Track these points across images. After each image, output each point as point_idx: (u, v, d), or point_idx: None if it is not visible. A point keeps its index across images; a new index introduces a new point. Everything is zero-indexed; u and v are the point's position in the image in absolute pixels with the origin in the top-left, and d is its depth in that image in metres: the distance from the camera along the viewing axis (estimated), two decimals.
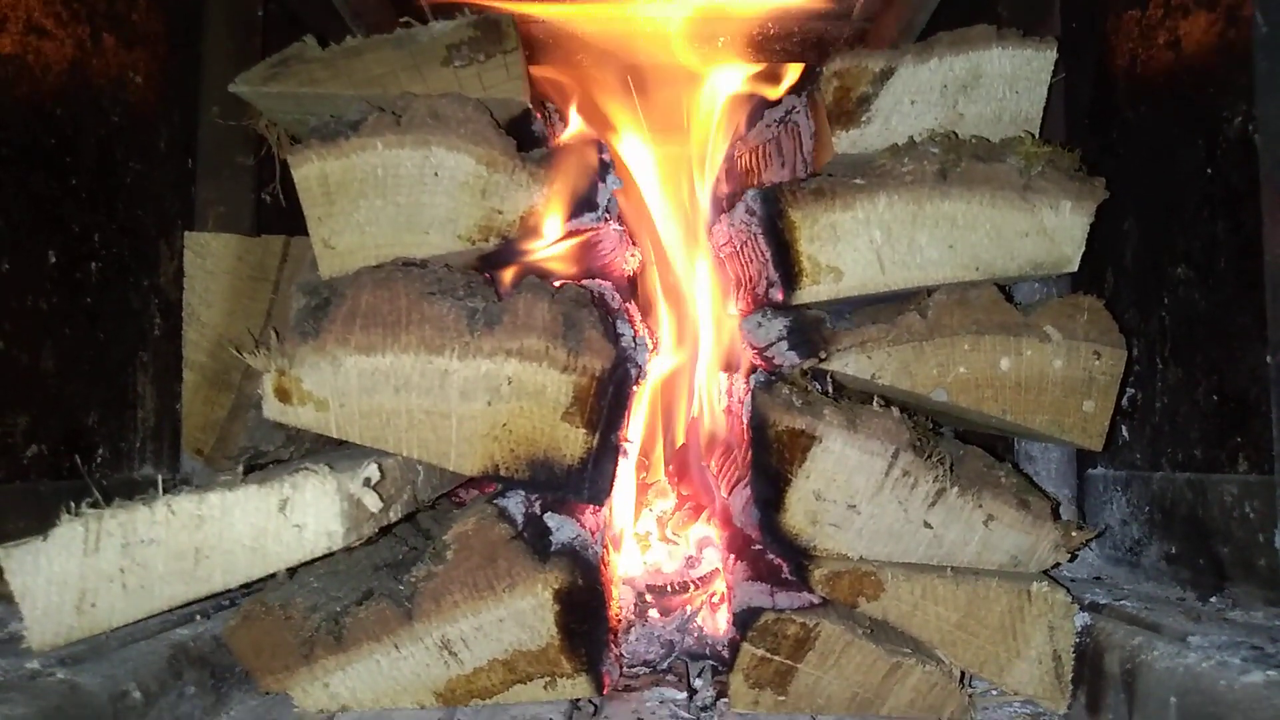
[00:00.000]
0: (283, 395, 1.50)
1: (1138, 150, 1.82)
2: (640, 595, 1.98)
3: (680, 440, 2.76)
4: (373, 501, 1.29)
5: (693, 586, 1.98)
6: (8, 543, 1.25)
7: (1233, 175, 1.55)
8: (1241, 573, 1.52)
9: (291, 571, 1.33)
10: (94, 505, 1.28)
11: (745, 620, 1.50)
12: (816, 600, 1.54)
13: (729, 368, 2.38)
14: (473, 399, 1.50)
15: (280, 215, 1.93)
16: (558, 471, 1.53)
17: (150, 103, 1.86)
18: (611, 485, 1.56)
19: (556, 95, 2.38)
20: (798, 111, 1.98)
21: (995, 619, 1.51)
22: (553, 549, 1.54)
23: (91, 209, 1.69)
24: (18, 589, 1.24)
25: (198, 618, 1.48)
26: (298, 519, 1.25)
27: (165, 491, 1.34)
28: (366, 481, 1.29)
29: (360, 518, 1.30)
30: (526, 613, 1.48)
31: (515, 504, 1.58)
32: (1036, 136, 1.71)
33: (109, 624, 1.26)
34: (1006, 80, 1.72)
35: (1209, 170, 1.60)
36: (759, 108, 2.53)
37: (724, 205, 2.60)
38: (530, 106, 1.77)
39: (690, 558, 2.11)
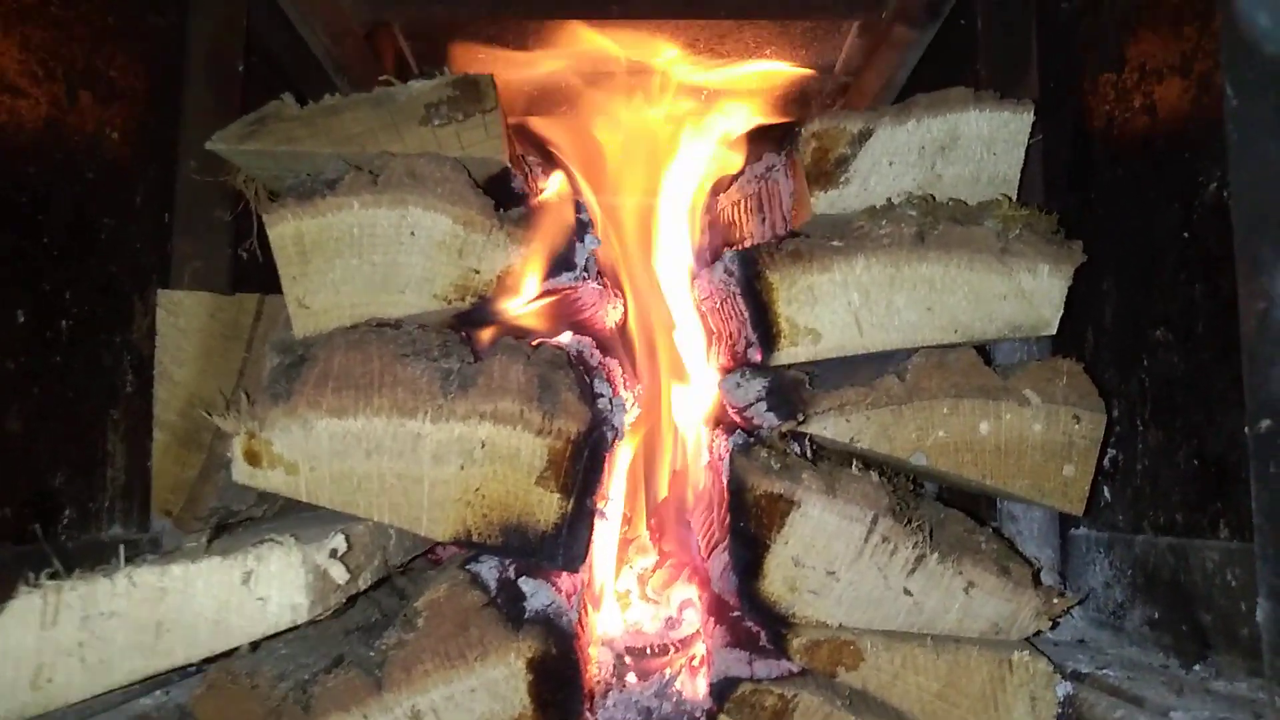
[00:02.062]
0: (252, 458, 1.47)
1: (1116, 211, 1.83)
2: (619, 657, 1.95)
3: (663, 494, 2.73)
4: (339, 573, 1.27)
5: (672, 649, 1.94)
6: None
7: (1209, 239, 1.55)
8: (1224, 641, 1.50)
9: (254, 646, 1.30)
10: (53, 575, 1.25)
11: (722, 691, 1.47)
12: (795, 669, 1.51)
13: (711, 422, 2.36)
14: (446, 463, 1.48)
15: (258, 271, 1.91)
16: (531, 537, 1.51)
17: (126, 158, 1.85)
18: (586, 551, 1.53)
19: (536, 149, 2.38)
20: (777, 169, 1.99)
21: (976, 689, 1.48)
22: (526, 616, 1.51)
23: (64, 266, 1.67)
24: None
25: (156, 693, 1.44)
26: (262, 592, 1.22)
27: (129, 559, 1.31)
28: (333, 553, 1.26)
29: (326, 589, 1.27)
30: (499, 682, 1.44)
31: (489, 569, 1.55)
32: (1014, 198, 1.71)
33: (66, 700, 1.23)
34: (984, 142, 1.73)
35: (1185, 234, 1.60)
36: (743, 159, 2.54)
37: (707, 258, 2.60)
38: (509, 165, 1.76)
39: (670, 618, 2.07)
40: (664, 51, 2.77)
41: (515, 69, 2.78)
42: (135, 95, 1.89)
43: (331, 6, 2.41)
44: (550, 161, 2.44)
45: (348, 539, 1.30)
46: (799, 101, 2.98)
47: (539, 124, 2.78)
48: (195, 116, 2.00)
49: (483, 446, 1.48)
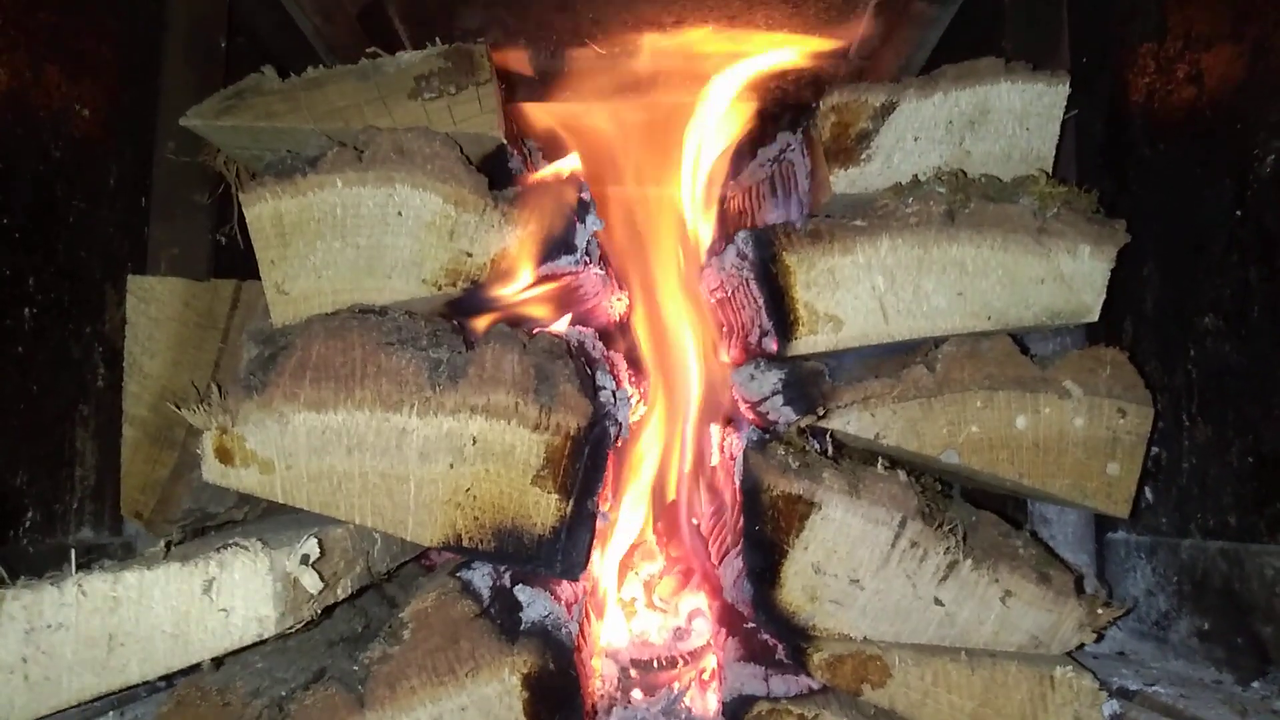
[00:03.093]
0: (224, 456, 1.35)
1: (1157, 190, 1.70)
2: (624, 670, 1.82)
3: (671, 496, 2.60)
4: (312, 582, 1.14)
5: (681, 662, 1.81)
6: None
7: (1266, 217, 1.42)
8: None
9: (217, 662, 1.17)
10: None
11: (736, 711, 1.35)
12: (816, 686, 1.38)
13: (723, 420, 2.24)
14: (433, 461, 1.35)
15: (239, 258, 1.79)
16: (527, 542, 1.38)
17: (98, 138, 1.73)
18: (587, 557, 1.40)
19: (537, 131, 2.27)
20: (792, 149, 1.86)
21: (1015, 708, 1.35)
22: (523, 628, 1.39)
23: (26, 250, 1.56)
24: None
25: (110, 714, 1.32)
26: (224, 602, 1.10)
27: (90, 565, 1.19)
28: (305, 559, 1.14)
29: (298, 599, 1.15)
30: (492, 700, 1.32)
31: (481, 577, 1.43)
32: (1050, 175, 1.59)
33: None
34: (1016, 116, 1.60)
35: (1238, 212, 1.48)
36: (753, 146, 2.42)
37: (715, 248, 2.47)
38: (505, 142, 1.64)
39: (679, 629, 1.94)
40: (672, 33, 2.65)
41: (517, 51, 2.66)
42: (109, 71, 1.77)
43: None
44: (551, 147, 2.32)
45: (321, 544, 1.17)
46: (813, 86, 2.85)
47: (540, 108, 2.66)
48: (174, 96, 1.88)
49: (474, 443, 1.35)
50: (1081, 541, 1.82)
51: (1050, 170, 1.61)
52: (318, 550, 1.16)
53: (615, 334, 2.35)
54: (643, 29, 2.65)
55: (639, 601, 2.10)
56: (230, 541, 1.12)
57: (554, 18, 2.62)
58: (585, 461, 1.38)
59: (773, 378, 1.58)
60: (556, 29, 2.68)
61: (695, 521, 2.27)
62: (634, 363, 2.44)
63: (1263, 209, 1.43)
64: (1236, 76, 1.49)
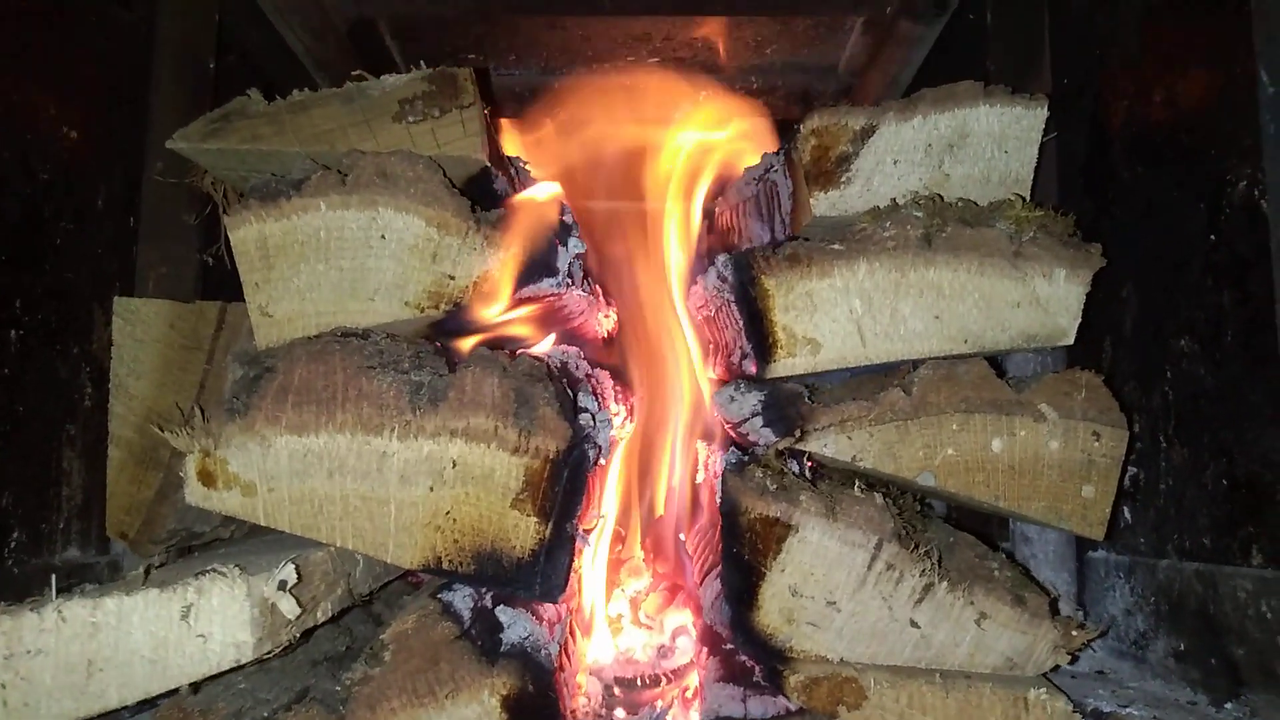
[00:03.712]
0: (207, 478, 1.37)
1: (1136, 213, 1.71)
2: (608, 688, 1.83)
3: (659, 511, 2.61)
4: (289, 607, 1.15)
5: (664, 680, 1.82)
6: None
7: (1239, 242, 1.44)
8: (1259, 678, 1.38)
9: (195, 688, 1.19)
10: None
11: None
12: (793, 708, 1.39)
13: (707, 437, 2.25)
14: (413, 484, 1.37)
15: (227, 277, 1.80)
16: (506, 565, 1.39)
17: (86, 159, 1.75)
18: (566, 580, 1.41)
19: (523, 151, 2.28)
20: (776, 170, 1.88)
21: None
22: (503, 649, 1.40)
23: (14, 271, 1.57)
24: None
25: None
26: (202, 628, 1.11)
27: (72, 588, 1.21)
28: (283, 585, 1.15)
29: (276, 625, 1.16)
30: None
31: (462, 598, 1.44)
32: (1027, 198, 1.60)
33: None
34: (995, 139, 1.61)
35: (1212, 236, 1.49)
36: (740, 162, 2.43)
37: (704, 264, 2.49)
38: (489, 165, 1.66)
39: (663, 646, 1.96)
40: (659, 50, 2.66)
41: (505, 68, 2.68)
42: (97, 92, 1.79)
43: (311, 1, 2.31)
44: (537, 165, 2.33)
45: (298, 570, 1.19)
46: (801, 102, 2.87)
47: (527, 125, 2.67)
48: (164, 116, 1.89)
49: (453, 466, 1.36)
50: (1062, 560, 1.83)
51: (1029, 193, 1.62)
52: (295, 576, 1.17)
53: (602, 351, 2.36)
54: (632, 45, 2.67)
55: (625, 618, 2.11)
56: (209, 568, 1.13)
57: (544, 35, 2.63)
58: (564, 484, 1.40)
59: (753, 399, 1.60)
60: (546, 46, 2.70)
61: (682, 538, 2.28)
62: (623, 378, 2.46)
63: (1235, 233, 1.44)
64: (1210, 102, 1.51)
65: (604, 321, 2.31)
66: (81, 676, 1.12)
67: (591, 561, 2.05)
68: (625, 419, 2.22)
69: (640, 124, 2.85)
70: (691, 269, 2.53)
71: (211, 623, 1.12)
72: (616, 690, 1.82)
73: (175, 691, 1.17)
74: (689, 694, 1.81)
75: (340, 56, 2.45)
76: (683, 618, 2.02)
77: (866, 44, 2.57)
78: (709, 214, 2.59)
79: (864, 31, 2.54)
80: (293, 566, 1.17)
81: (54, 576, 1.17)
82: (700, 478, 2.17)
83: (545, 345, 1.83)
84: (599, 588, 2.09)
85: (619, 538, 2.48)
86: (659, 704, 1.75)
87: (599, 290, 2.19)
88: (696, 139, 2.65)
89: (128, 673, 1.12)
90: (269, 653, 1.16)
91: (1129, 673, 1.66)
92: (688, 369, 2.56)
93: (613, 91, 2.72)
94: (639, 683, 1.82)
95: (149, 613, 1.12)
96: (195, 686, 1.17)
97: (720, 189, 2.52)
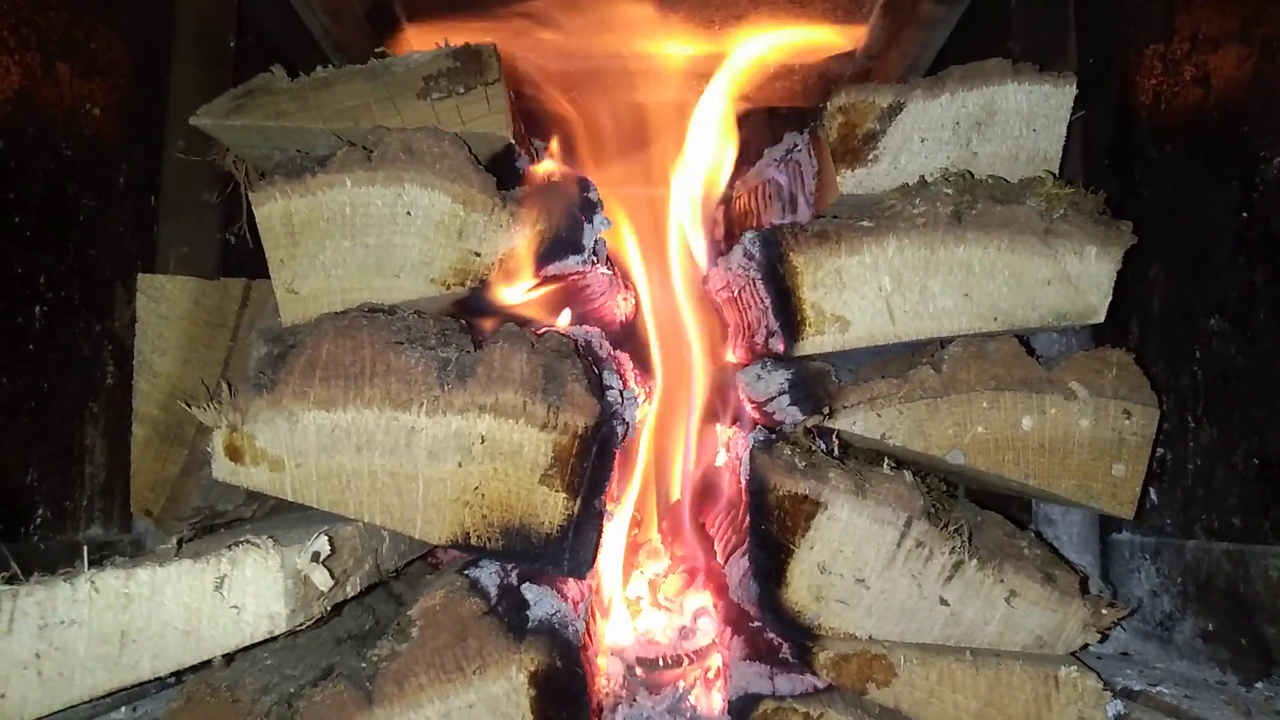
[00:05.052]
0: (234, 454, 1.36)
1: (1164, 192, 1.70)
2: (629, 669, 1.83)
3: (676, 495, 2.61)
4: (322, 579, 1.15)
5: (686, 660, 1.82)
6: None
7: (1272, 219, 1.42)
8: None
9: (228, 658, 1.18)
10: (11, 580, 1.13)
11: (742, 709, 1.35)
12: (821, 685, 1.39)
13: (729, 420, 2.24)
14: (442, 459, 1.36)
15: (248, 256, 1.80)
16: (535, 541, 1.39)
17: (108, 137, 1.74)
18: (595, 556, 1.41)
19: (546, 131, 2.27)
20: (799, 149, 1.87)
21: (1019, 708, 1.36)
22: (530, 626, 1.39)
23: (38, 249, 1.57)
24: None
25: (123, 709, 1.32)
26: (236, 599, 1.11)
27: (101, 561, 1.20)
28: (315, 556, 1.15)
29: (308, 597, 1.16)
30: (499, 698, 1.33)
31: (489, 575, 1.44)
32: (1057, 176, 1.59)
33: (20, 716, 1.11)
34: (1023, 117, 1.60)
35: (1244, 214, 1.48)
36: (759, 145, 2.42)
37: (722, 248, 2.48)
38: (513, 142, 1.65)
39: (684, 627, 1.95)
40: (677, 31, 2.65)
41: (523, 50, 2.67)
42: (119, 71, 1.78)
43: None
44: (558, 145, 2.32)
45: (331, 541, 1.18)
46: (819, 86, 2.86)
47: (546, 106, 2.66)
48: (184, 95, 1.88)
49: (482, 442, 1.36)
50: (1086, 542, 1.82)
51: (1057, 171, 1.61)
52: (328, 548, 1.17)
53: (622, 333, 2.35)
54: (649, 27, 2.65)
55: (644, 600, 2.11)
56: (242, 539, 1.12)
57: (560, 15, 2.62)
58: (592, 460, 1.39)
59: (779, 378, 1.59)
60: (564, 27, 2.68)
61: (700, 521, 2.28)
62: (640, 361, 2.45)
63: (1269, 211, 1.43)
64: (1243, 79, 1.50)
65: (623, 304, 2.30)
66: (115, 647, 1.11)
67: (610, 543, 2.05)
68: (644, 400, 2.21)
69: (655, 105, 2.84)
70: (709, 253, 2.52)
71: (245, 594, 1.11)
72: (638, 671, 1.82)
73: (207, 664, 1.17)
74: (710, 675, 1.81)
75: (359, 38, 2.44)
76: (703, 599, 2.02)
77: (886, 25, 2.55)
78: (726, 199, 2.58)
79: (884, 13, 2.52)
80: (325, 538, 1.16)
81: (85, 549, 1.16)
82: (721, 460, 2.16)
83: (564, 323, 1.83)
84: (617, 570, 2.09)
85: (635, 521, 2.47)
86: (681, 684, 1.75)
87: (618, 273, 2.18)
88: (710, 121, 2.64)
89: (161, 644, 1.12)
90: (301, 625, 1.16)
91: (1154, 654, 1.65)
92: (702, 353, 2.55)
93: (630, 73, 2.72)
94: (661, 663, 1.82)
95: (182, 584, 1.11)
96: (228, 658, 1.17)
97: (738, 173, 2.51)
